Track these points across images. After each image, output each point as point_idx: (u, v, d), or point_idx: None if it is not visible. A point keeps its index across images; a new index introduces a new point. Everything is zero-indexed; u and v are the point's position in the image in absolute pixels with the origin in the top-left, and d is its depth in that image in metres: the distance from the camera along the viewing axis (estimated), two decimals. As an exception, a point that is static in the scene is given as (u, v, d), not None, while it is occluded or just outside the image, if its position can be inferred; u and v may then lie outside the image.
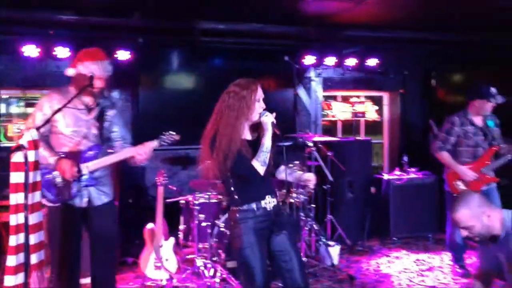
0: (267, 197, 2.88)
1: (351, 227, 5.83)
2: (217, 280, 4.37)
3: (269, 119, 2.86)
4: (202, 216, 4.69)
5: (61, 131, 3.27)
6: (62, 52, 5.19)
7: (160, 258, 4.45)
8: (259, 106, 2.88)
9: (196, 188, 4.81)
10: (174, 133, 3.44)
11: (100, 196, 3.37)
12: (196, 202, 4.65)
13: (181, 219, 4.89)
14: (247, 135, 2.92)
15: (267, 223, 2.87)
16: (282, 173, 3.06)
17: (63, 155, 3.23)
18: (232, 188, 2.87)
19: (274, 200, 2.93)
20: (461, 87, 7.07)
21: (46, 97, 3.35)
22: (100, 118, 3.37)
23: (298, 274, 2.88)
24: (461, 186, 4.55)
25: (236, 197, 2.87)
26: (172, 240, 4.60)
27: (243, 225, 2.83)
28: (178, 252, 4.65)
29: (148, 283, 4.51)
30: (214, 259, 4.45)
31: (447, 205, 4.73)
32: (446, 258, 5.29)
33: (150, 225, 4.62)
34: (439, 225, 6.19)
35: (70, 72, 3.36)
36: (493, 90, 4.47)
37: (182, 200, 4.88)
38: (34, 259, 2.84)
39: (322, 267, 4.90)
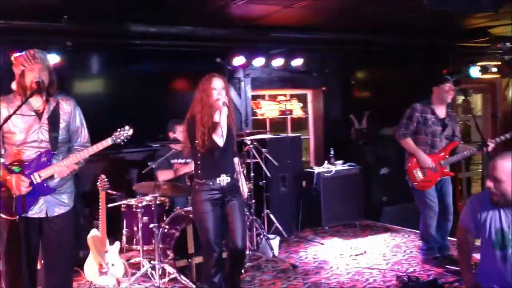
0: (222, 175, 3.61)
1: (286, 220, 6.11)
2: (167, 280, 4.44)
3: (220, 102, 3.53)
4: (145, 218, 4.72)
5: (14, 142, 3.16)
6: (-14, 56, 4.96)
7: (106, 263, 4.43)
8: (217, 93, 3.56)
9: (139, 191, 4.83)
10: (127, 127, 3.38)
11: (58, 206, 3.28)
12: (140, 205, 4.67)
13: (124, 223, 4.87)
14: (216, 118, 3.57)
15: (220, 195, 3.61)
16: (235, 164, 3.80)
17: (12, 170, 3.14)
18: (198, 163, 3.62)
19: (229, 178, 3.63)
20: (375, 85, 7.66)
21: None
22: (53, 120, 3.29)
23: (238, 237, 3.61)
24: (419, 175, 4.66)
25: (199, 172, 3.63)
26: (117, 244, 4.57)
27: (201, 194, 3.59)
28: (123, 256, 4.64)
29: (94, 290, 4.48)
30: (161, 260, 4.49)
31: (417, 196, 4.76)
32: (374, 242, 5.75)
33: (93, 231, 4.57)
34: (364, 213, 6.70)
35: (13, 85, 3.29)
36: (447, 76, 4.70)
37: (124, 203, 4.86)
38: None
39: (265, 259, 5.14)
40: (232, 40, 6.17)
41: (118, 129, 3.41)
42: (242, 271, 3.99)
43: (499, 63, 8.26)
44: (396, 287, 4.27)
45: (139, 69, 6.03)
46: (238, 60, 6.33)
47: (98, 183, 4.54)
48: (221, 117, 3.54)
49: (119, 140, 3.38)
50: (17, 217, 3.13)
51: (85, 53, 5.71)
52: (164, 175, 5.10)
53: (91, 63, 5.81)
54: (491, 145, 4.36)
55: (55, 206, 3.28)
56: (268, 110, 7.10)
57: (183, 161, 5.45)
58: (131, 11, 5.16)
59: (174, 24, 5.61)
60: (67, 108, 3.38)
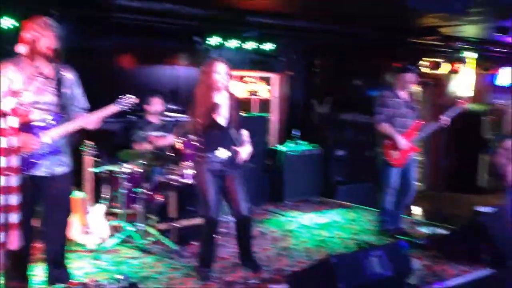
0: (220, 149, 3.91)
1: (250, 193, 6.51)
2: (149, 241, 4.75)
3: (220, 84, 3.84)
4: (128, 184, 4.99)
5: (23, 102, 3.34)
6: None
7: (90, 224, 4.67)
8: (220, 77, 3.84)
9: (122, 158, 5.07)
10: (131, 95, 3.69)
11: (60, 166, 3.52)
12: (124, 171, 4.92)
13: (105, 188, 5.10)
14: (215, 98, 3.86)
15: (220, 168, 3.93)
16: (242, 135, 4.10)
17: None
18: (200, 139, 3.93)
19: (228, 152, 3.92)
20: (337, 72, 8.18)
21: (1, 70, 3.38)
22: (59, 86, 3.50)
23: (242, 206, 3.98)
24: (395, 154, 5.13)
25: (201, 146, 3.93)
26: (101, 206, 4.84)
27: (201, 166, 3.92)
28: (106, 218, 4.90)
29: (76, 248, 4.68)
30: (141, 222, 4.78)
31: (383, 174, 5.23)
32: (332, 216, 6.32)
33: (78, 193, 4.79)
34: (321, 190, 7.26)
35: (20, 48, 3.45)
36: (409, 66, 5.25)
37: (106, 169, 5.09)
38: (14, 219, 3.01)
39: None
40: (210, 21, 6.43)
41: (123, 96, 3.69)
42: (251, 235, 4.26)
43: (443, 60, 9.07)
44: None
45: (120, 42, 6.18)
46: (214, 40, 6.64)
47: (83, 149, 4.76)
48: (221, 98, 3.86)
49: (123, 107, 3.68)
50: (25, 174, 3.34)
51: (68, 23, 5.78)
52: (141, 147, 5.36)
53: (72, 34, 5.88)
54: (444, 119, 5.08)
55: (57, 166, 3.51)
56: (237, 90, 7.43)
57: (159, 134, 5.73)
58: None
59: (156, 0, 5.84)
60: (70, 76, 3.62)
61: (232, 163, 3.98)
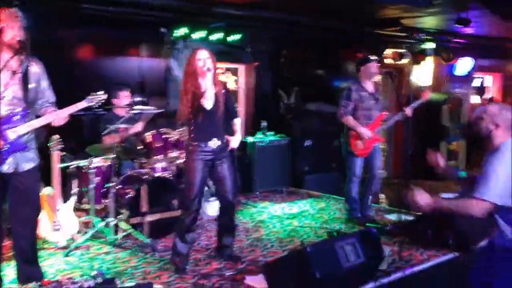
0: (213, 139, 3.96)
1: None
2: (120, 236, 4.70)
3: (204, 68, 3.87)
4: (97, 179, 4.91)
5: None
6: None
7: (59, 220, 4.58)
8: (202, 63, 3.87)
9: (92, 153, 4.99)
10: (101, 92, 3.65)
11: (27, 162, 3.44)
12: (92, 165, 4.85)
13: (74, 183, 5.01)
14: (201, 84, 3.90)
15: (211, 157, 3.99)
16: (235, 124, 4.23)
17: None
18: (191, 128, 3.97)
19: (219, 141, 3.99)
20: (303, 63, 8.25)
21: None
22: (25, 80, 3.41)
23: (229, 193, 4.11)
24: (360, 145, 5.27)
25: (193, 135, 3.98)
26: (70, 202, 4.75)
27: (194, 154, 3.95)
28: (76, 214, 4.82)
29: (46, 246, 4.60)
30: (112, 217, 4.73)
31: (348, 164, 5.39)
32: (301, 205, 6.41)
33: (46, 190, 4.69)
34: (290, 180, 7.35)
35: None
36: (370, 56, 5.38)
37: (74, 164, 5.00)
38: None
39: (207, 219, 5.56)
40: (176, 12, 6.37)
41: (92, 93, 3.64)
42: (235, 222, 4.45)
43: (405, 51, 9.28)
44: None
45: (87, 34, 6.04)
46: (180, 32, 6.57)
47: (50, 144, 4.65)
48: (207, 83, 3.89)
49: (92, 103, 3.64)
50: None
51: (31, 14, 5.61)
52: (111, 139, 5.28)
53: (36, 25, 5.71)
54: (408, 111, 5.19)
55: (23, 161, 3.44)
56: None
57: (127, 126, 5.65)
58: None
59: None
60: (37, 70, 3.53)
61: (222, 151, 4.04)
